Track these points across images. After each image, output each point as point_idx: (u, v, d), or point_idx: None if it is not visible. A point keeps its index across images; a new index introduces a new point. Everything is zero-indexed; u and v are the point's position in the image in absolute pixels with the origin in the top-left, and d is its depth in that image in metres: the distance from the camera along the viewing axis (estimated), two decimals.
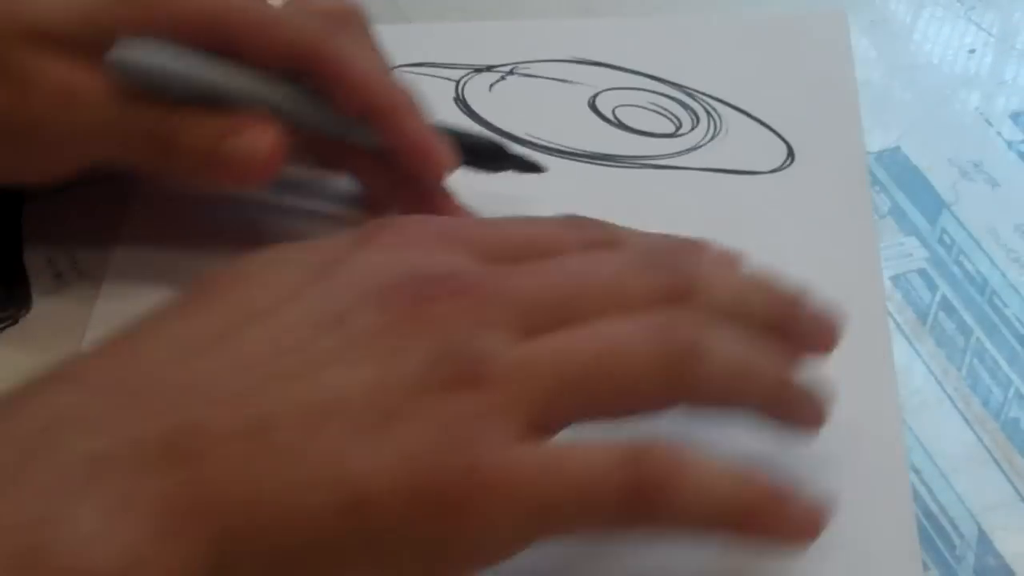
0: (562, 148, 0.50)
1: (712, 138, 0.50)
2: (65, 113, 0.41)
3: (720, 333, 0.32)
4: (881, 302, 0.43)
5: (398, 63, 0.47)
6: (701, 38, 0.55)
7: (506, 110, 0.51)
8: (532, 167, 0.46)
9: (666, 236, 0.36)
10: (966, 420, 0.39)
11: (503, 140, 0.47)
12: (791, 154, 0.50)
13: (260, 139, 0.42)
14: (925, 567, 0.35)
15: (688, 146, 0.50)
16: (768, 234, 0.45)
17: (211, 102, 0.41)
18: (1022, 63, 0.54)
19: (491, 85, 0.53)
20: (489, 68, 0.54)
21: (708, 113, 0.51)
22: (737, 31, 0.56)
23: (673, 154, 0.50)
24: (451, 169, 0.43)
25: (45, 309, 0.43)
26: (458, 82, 0.53)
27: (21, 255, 0.45)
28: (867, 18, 0.56)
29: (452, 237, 0.33)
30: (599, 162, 0.50)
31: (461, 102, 0.52)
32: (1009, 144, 0.50)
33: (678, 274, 0.33)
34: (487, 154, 0.45)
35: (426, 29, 0.56)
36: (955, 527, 0.36)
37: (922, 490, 0.37)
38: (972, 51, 0.55)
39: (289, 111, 0.42)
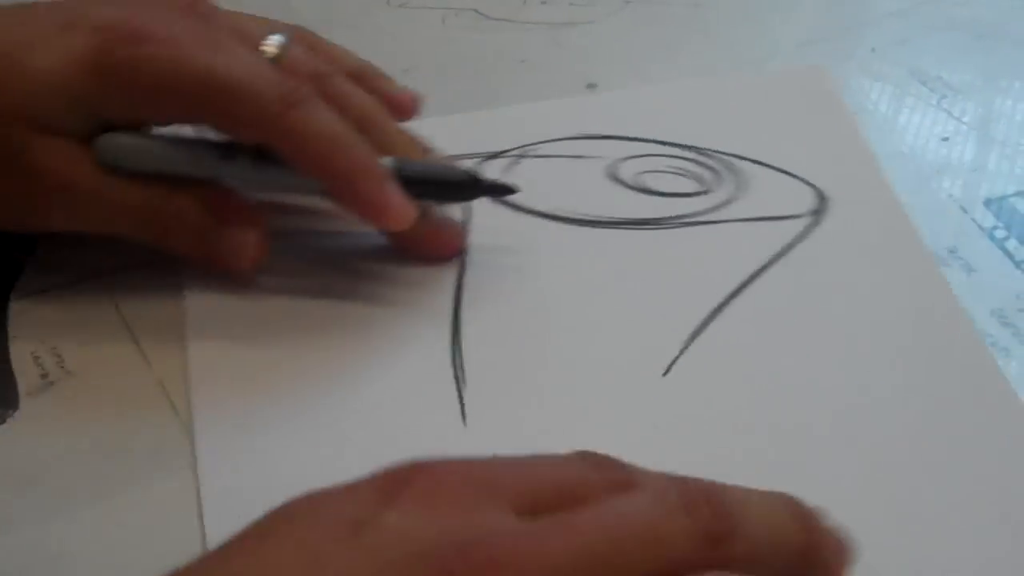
0: (600, 219, 0.51)
1: (741, 191, 0.52)
2: (59, 192, 0.46)
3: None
4: (970, 328, 0.45)
5: None
6: (702, 100, 0.58)
7: (527, 190, 0.51)
8: (505, 190, 0.48)
9: (680, 477, 0.35)
10: None
11: (472, 169, 0.50)
12: (822, 197, 0.51)
13: (245, 236, 0.47)
14: None
15: (721, 201, 0.51)
16: (829, 273, 0.47)
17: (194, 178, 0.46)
18: (996, 151, 0.55)
19: (504, 169, 0.54)
20: (499, 155, 0.55)
21: (728, 168, 0.53)
22: (733, 91, 0.58)
23: (708, 210, 0.51)
24: (408, 221, 0.46)
25: (31, 410, 0.43)
26: None
27: (7, 354, 0.46)
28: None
29: (484, 487, 0.32)
30: (639, 227, 0.50)
31: None
32: (983, 230, 0.50)
33: (717, 518, 0.32)
34: (459, 185, 0.48)
35: (429, 123, 0.54)
36: None
37: None
38: (945, 139, 0.56)
39: (259, 181, 0.47)
